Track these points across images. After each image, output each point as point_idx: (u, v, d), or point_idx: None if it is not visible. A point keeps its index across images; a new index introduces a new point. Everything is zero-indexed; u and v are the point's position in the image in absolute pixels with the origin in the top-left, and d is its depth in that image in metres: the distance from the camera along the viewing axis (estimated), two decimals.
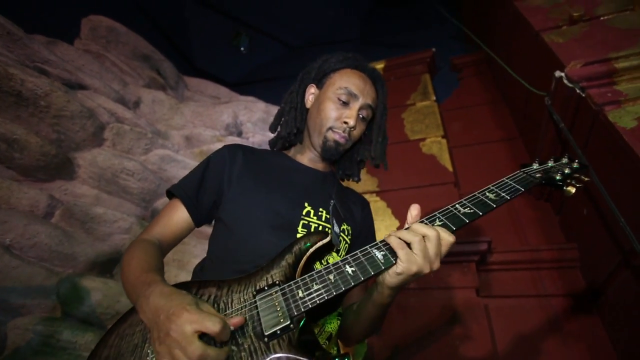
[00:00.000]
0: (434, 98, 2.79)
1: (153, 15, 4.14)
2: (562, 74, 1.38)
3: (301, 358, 0.55)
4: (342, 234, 0.85)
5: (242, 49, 4.30)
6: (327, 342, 0.77)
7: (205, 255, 0.89)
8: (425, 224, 0.66)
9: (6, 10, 2.03)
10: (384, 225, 2.09)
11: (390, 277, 0.63)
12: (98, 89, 2.28)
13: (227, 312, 0.61)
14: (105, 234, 1.91)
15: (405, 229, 0.66)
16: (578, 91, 1.34)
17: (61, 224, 1.82)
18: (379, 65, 3.29)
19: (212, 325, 0.52)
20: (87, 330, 1.59)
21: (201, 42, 4.66)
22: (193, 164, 2.31)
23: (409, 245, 0.62)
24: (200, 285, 0.67)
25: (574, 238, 1.67)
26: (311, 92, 0.96)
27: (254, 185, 0.84)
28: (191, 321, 0.52)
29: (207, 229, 1.86)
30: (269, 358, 0.55)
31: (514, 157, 2.23)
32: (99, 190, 2.02)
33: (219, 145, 2.43)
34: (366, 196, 2.31)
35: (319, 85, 0.96)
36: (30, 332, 1.49)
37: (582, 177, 0.77)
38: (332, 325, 0.79)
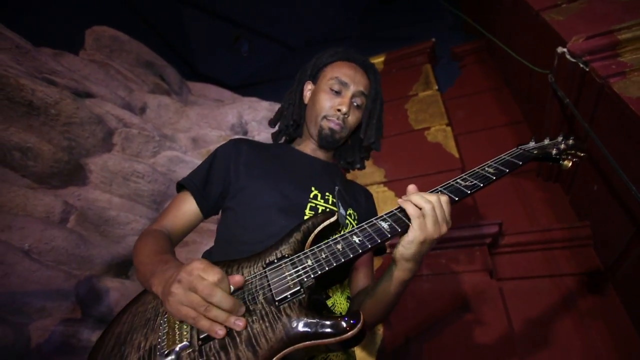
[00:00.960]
0: (436, 87, 2.79)
1: (154, 23, 4.21)
2: (565, 50, 1.38)
3: (314, 316, 0.55)
4: (348, 217, 0.87)
5: (243, 52, 4.35)
6: None
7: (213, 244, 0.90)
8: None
9: (14, 25, 2.10)
10: None
11: (405, 249, 0.65)
12: (105, 97, 2.33)
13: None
14: (119, 236, 1.95)
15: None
16: (581, 65, 1.33)
17: (76, 228, 1.87)
18: (380, 59, 3.30)
19: (210, 275, 0.54)
20: None
21: (202, 47, 4.73)
22: None
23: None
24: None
25: (586, 216, 1.65)
26: (308, 88, 1.01)
27: (261, 172, 0.87)
28: (197, 268, 0.54)
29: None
30: (277, 324, 0.55)
31: (520, 140, 2.21)
32: (111, 194, 2.06)
33: None
34: (374, 187, 2.32)
35: (314, 80, 1.00)
36: (52, 334, 1.53)
37: (578, 153, 0.79)
38: (342, 307, 0.80)
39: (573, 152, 0.79)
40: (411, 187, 0.69)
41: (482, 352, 1.48)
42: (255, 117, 2.76)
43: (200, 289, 0.52)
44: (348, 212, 0.88)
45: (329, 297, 0.78)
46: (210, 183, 0.87)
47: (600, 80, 1.26)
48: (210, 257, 0.84)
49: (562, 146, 0.80)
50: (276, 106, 2.81)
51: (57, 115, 1.88)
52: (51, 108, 1.85)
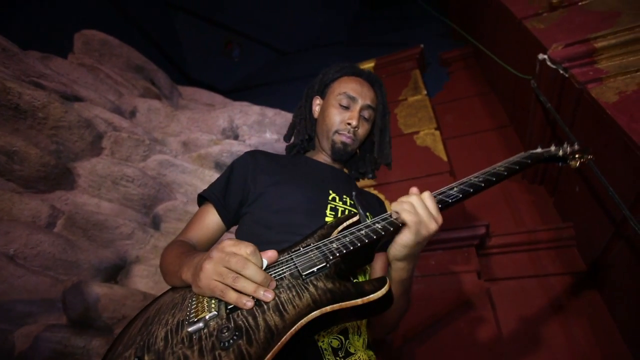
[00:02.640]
0: (425, 92, 2.84)
1: (145, 27, 4.20)
2: (545, 56, 1.43)
3: (342, 282, 0.57)
4: (367, 218, 0.89)
5: (234, 56, 4.36)
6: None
7: None
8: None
9: (0, 28, 2.07)
10: None
11: (396, 250, 0.68)
12: (94, 100, 2.31)
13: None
14: (107, 240, 1.92)
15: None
16: (561, 72, 1.38)
17: (64, 233, 1.84)
18: (369, 64, 3.35)
19: (243, 249, 0.56)
20: (95, 335, 1.60)
21: (193, 52, 4.72)
22: (192, 168, 2.34)
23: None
24: None
25: (569, 217, 1.70)
26: (317, 103, 1.05)
27: (280, 178, 0.90)
28: (228, 244, 0.57)
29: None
30: (304, 292, 0.55)
31: (506, 143, 2.28)
32: (100, 198, 2.04)
33: (216, 149, 2.46)
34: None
35: (322, 95, 1.04)
36: (37, 340, 1.50)
37: (585, 155, 0.85)
38: (356, 341, 0.81)
39: (579, 155, 0.85)
40: (413, 189, 0.72)
41: (471, 351, 1.51)
42: (246, 122, 2.77)
43: (233, 263, 0.54)
44: (367, 214, 0.90)
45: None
46: (230, 193, 0.90)
47: (579, 86, 1.31)
48: None
49: (568, 149, 0.86)
50: (267, 111, 2.83)
51: (44, 118, 1.86)
52: (38, 111, 1.83)
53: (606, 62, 1.31)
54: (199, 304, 0.57)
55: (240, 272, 0.54)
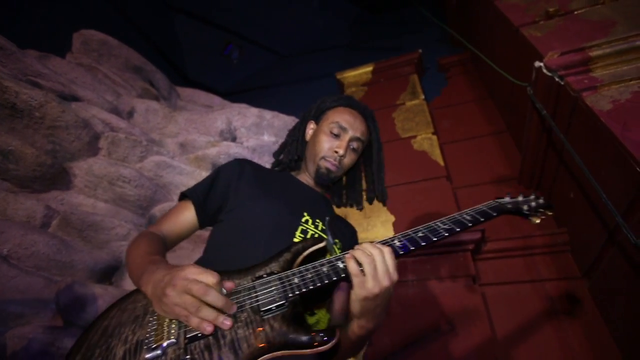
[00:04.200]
0: (423, 97, 2.86)
1: (144, 28, 4.20)
2: (541, 64, 1.45)
3: (291, 328, 0.60)
4: (334, 245, 0.90)
5: (233, 58, 4.37)
6: None
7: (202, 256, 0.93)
8: (385, 242, 0.72)
9: None
10: (379, 221, 2.12)
11: (352, 306, 0.69)
12: (91, 100, 2.31)
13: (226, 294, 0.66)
14: (102, 241, 1.91)
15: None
16: (557, 79, 1.40)
17: (58, 233, 1.83)
18: (368, 69, 3.38)
19: (208, 278, 0.59)
20: None
21: (192, 53, 4.73)
22: (189, 169, 2.33)
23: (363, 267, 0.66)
24: None
25: (564, 223, 1.71)
26: (311, 127, 1.09)
27: (259, 192, 0.92)
28: (192, 272, 0.59)
29: (205, 233, 1.88)
30: (258, 329, 0.59)
31: (503, 149, 2.29)
32: (96, 198, 2.03)
33: (213, 151, 2.46)
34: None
35: (317, 121, 1.09)
36: (30, 341, 1.48)
37: (547, 212, 0.90)
38: (325, 324, 0.85)
39: (542, 210, 0.90)
40: (365, 244, 0.71)
41: (465, 355, 1.51)
42: (244, 124, 2.77)
43: (195, 290, 0.57)
44: (334, 241, 0.91)
45: (314, 314, 0.81)
46: (211, 197, 0.92)
47: (574, 94, 1.33)
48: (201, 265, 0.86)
49: (533, 204, 0.90)
50: (265, 113, 2.84)
51: (41, 118, 1.85)
52: (35, 111, 1.83)
53: (601, 71, 1.33)
54: (159, 326, 0.60)
55: (202, 298, 0.57)
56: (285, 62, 4.96)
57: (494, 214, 0.83)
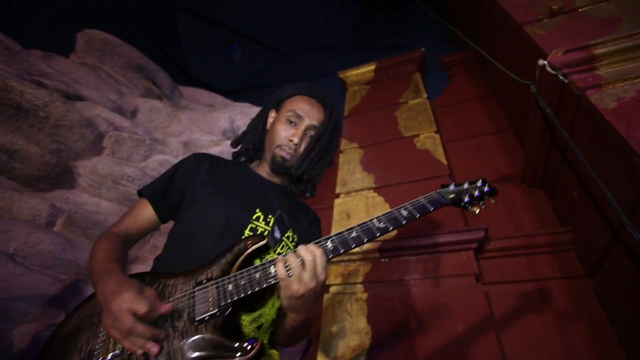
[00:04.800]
0: (426, 95, 2.85)
1: (147, 27, 4.21)
2: (545, 62, 1.44)
3: (219, 338, 0.67)
4: (286, 239, 0.95)
5: (235, 57, 4.37)
6: (257, 330, 0.85)
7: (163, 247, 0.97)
8: (318, 243, 0.75)
9: (3, 27, 2.08)
10: None
11: (282, 300, 0.74)
12: (95, 100, 2.32)
13: (170, 299, 0.74)
14: None
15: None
16: (561, 77, 1.39)
17: (63, 231, 1.84)
18: (371, 67, 3.37)
19: (139, 307, 0.64)
20: None
21: (195, 52, 4.73)
22: None
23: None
24: (152, 276, 0.80)
25: (567, 221, 1.71)
26: (271, 115, 1.10)
27: (213, 190, 0.94)
28: (126, 300, 0.64)
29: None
30: (190, 339, 0.67)
31: (506, 147, 2.28)
32: (100, 197, 2.04)
33: (217, 150, 2.47)
34: (364, 192, 2.35)
35: (277, 109, 1.09)
36: (35, 338, 1.50)
37: (490, 199, 0.89)
38: (267, 318, 0.88)
39: (486, 198, 0.88)
40: (300, 247, 0.74)
41: (469, 354, 1.51)
42: (247, 122, 2.76)
43: (123, 324, 0.63)
44: (286, 235, 0.95)
45: (255, 310, 0.84)
46: (169, 194, 0.94)
47: (578, 92, 1.32)
48: (159, 264, 0.92)
49: (476, 193, 0.88)
50: None
51: (46, 117, 1.87)
52: (40, 110, 1.84)
53: (605, 69, 1.32)
54: (107, 339, 0.69)
55: (129, 332, 0.64)
56: (287, 60, 4.96)
57: (431, 209, 0.83)
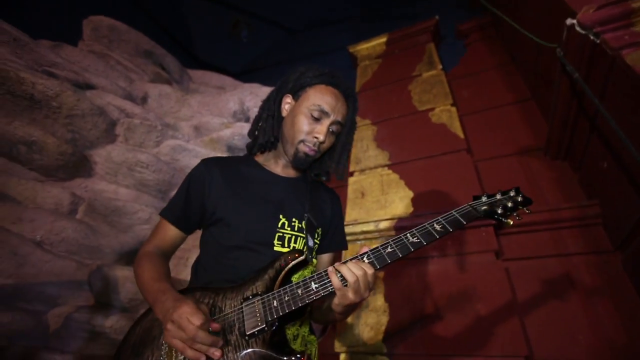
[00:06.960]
0: (441, 67, 2.72)
1: (152, 11, 4.14)
2: (574, 21, 1.32)
3: (269, 352, 0.74)
4: (315, 240, 0.99)
5: (242, 37, 4.27)
6: (294, 340, 0.90)
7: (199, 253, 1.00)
8: (359, 259, 0.79)
9: (11, 18, 2.08)
10: (398, 197, 2.08)
11: (334, 305, 0.79)
12: (105, 87, 2.32)
13: (221, 314, 0.79)
14: (126, 225, 1.98)
15: (344, 262, 0.78)
16: (592, 37, 1.27)
17: (85, 219, 1.90)
18: (382, 40, 3.22)
19: (197, 319, 0.69)
20: (120, 315, 1.68)
21: (202, 34, 4.65)
22: (204, 152, 2.35)
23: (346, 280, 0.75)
24: (202, 291, 0.85)
25: (595, 194, 1.62)
26: (287, 101, 1.02)
27: (234, 205, 0.93)
28: (186, 312, 0.70)
29: None
30: (243, 352, 0.73)
31: (527, 118, 2.16)
32: (117, 184, 2.09)
33: (227, 132, 2.46)
34: (378, 170, 2.30)
35: (295, 97, 1.01)
36: (68, 320, 1.58)
37: (525, 209, 0.86)
38: (303, 330, 0.94)
39: (520, 209, 0.86)
40: (350, 264, 0.78)
41: (489, 332, 1.49)
42: (257, 104, 2.73)
43: (187, 331, 0.68)
44: (315, 240, 0.99)
45: (295, 324, 0.90)
46: (188, 211, 0.95)
47: (612, 52, 1.20)
48: (197, 277, 0.95)
49: (510, 204, 0.85)
50: None
51: (58, 107, 1.89)
52: (52, 101, 1.86)
53: None
54: (169, 351, 0.76)
55: (192, 339, 0.69)
56: (295, 37, 4.81)
57: (464, 222, 0.83)
